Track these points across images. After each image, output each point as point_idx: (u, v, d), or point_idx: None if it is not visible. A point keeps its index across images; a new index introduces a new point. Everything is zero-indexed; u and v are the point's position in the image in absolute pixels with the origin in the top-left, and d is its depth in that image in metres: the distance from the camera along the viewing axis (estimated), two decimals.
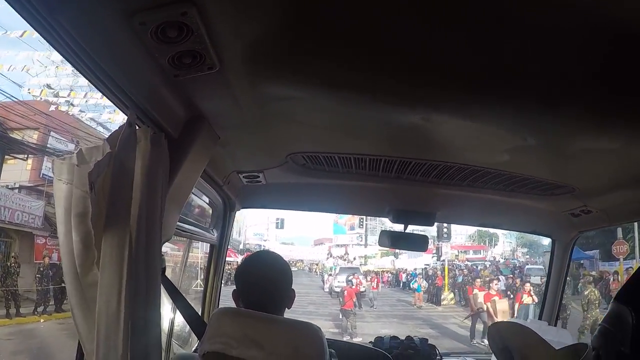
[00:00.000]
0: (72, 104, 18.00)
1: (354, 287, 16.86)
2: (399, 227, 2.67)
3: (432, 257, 33.07)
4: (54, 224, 16.13)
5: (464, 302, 20.57)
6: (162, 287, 1.52)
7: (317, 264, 45.32)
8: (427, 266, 31.78)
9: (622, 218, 2.46)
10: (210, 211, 2.48)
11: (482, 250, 38.13)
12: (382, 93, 1.32)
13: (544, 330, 2.47)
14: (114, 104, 1.18)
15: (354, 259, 38.02)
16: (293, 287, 1.52)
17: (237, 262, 28.99)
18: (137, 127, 1.17)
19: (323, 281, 29.93)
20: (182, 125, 1.40)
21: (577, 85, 1.17)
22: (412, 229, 2.73)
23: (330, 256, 36.83)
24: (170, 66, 1.09)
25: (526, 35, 0.99)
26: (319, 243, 48.28)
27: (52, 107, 17.27)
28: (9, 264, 13.88)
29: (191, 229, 2.06)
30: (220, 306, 2.51)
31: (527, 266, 25.57)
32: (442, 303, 22.07)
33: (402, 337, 2.98)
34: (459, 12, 0.94)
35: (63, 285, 13.08)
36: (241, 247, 31.82)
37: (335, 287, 23.93)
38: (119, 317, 1.01)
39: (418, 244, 2.74)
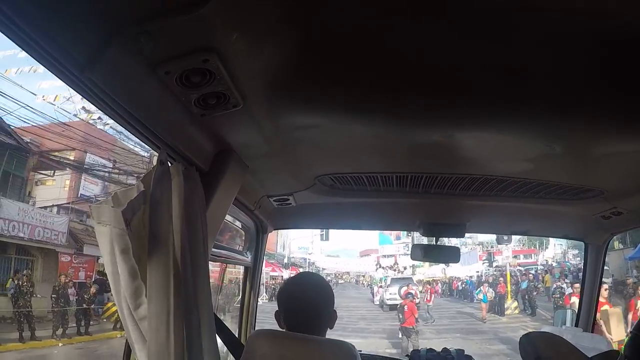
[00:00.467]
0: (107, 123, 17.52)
1: (413, 300, 14.87)
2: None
3: (483, 263, 31.67)
4: (80, 240, 16.59)
5: (530, 310, 19.22)
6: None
7: (363, 276, 44.58)
8: (477, 273, 30.33)
9: None
10: (244, 235, 2.53)
11: (532, 254, 36.16)
12: (402, 113, 1.34)
13: (579, 337, 2.39)
14: (146, 144, 1.26)
15: (404, 268, 36.65)
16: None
17: (282, 276, 28.87)
18: (170, 164, 1.23)
19: (372, 294, 28.90)
20: (212, 159, 1.46)
21: (596, 88, 1.16)
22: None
23: (379, 267, 35.33)
24: (197, 107, 1.16)
25: (541, 43, 0.98)
26: (365, 254, 47.77)
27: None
28: (20, 283, 13.04)
29: (226, 253, 2.13)
30: (256, 325, 2.57)
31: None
32: (505, 313, 19.96)
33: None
34: (474, 28, 0.95)
35: (85, 306, 12.90)
36: (285, 261, 31.35)
37: (387, 299, 22.99)
38: (168, 347, 1.06)
39: (450, 255, 2.70)
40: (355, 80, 1.15)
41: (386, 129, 1.47)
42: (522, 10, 0.89)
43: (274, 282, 29.11)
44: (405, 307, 13.81)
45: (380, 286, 27.26)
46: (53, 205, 17.06)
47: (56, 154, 16.49)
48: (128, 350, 1.40)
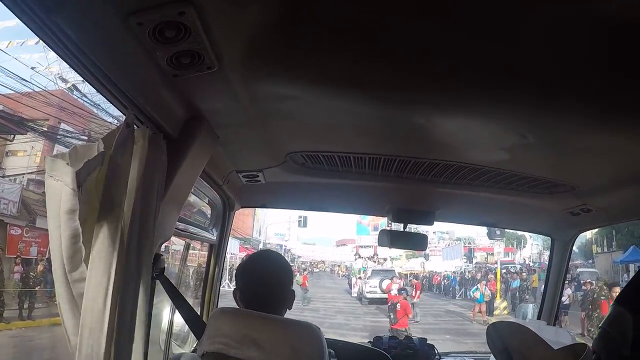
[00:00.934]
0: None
1: (409, 297, 13.08)
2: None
3: (462, 259, 32.11)
4: (33, 212, 14.74)
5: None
6: (163, 287, 1.54)
7: (339, 266, 44.98)
8: (458, 268, 30.33)
9: (622, 217, 2.43)
10: (210, 210, 2.50)
11: (510, 253, 36.91)
12: (381, 91, 1.32)
13: (542, 330, 2.44)
14: (112, 104, 1.19)
15: (384, 260, 36.02)
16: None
17: None
18: (137, 127, 1.18)
19: (350, 285, 27.62)
20: (182, 125, 1.40)
21: (575, 80, 1.16)
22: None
23: (358, 257, 34.81)
24: (169, 66, 1.10)
25: (524, 31, 0.98)
26: (341, 244, 48.13)
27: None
28: None
29: (190, 228, 2.08)
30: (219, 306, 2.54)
31: (578, 269, 22.15)
32: (494, 313, 18.15)
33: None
34: (457, 8, 0.93)
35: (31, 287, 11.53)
36: (261, 246, 30.86)
37: (367, 292, 22.08)
38: (104, 314, 1.03)
39: (417, 243, 2.74)
40: (339, 53, 1.12)
41: (365, 107, 1.45)
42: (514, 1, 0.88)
43: None
44: (398, 306, 12.50)
45: (359, 277, 26.37)
46: (18, 175, 16.08)
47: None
48: None
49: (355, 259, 34.72)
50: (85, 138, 15.11)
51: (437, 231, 42.47)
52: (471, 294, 19.85)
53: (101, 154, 1.04)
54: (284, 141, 1.86)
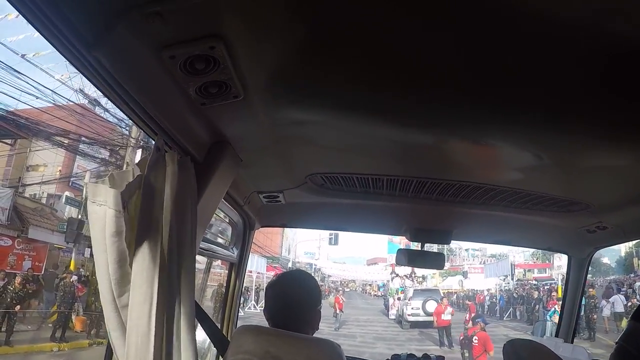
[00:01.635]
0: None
1: (477, 324, 9.75)
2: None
3: (501, 277, 30.24)
4: (26, 221, 13.28)
5: (587, 333, 15.31)
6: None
7: (370, 285, 43.79)
8: (497, 286, 28.66)
9: (638, 233, 2.39)
10: (230, 230, 2.56)
11: (546, 269, 35.31)
12: (398, 115, 1.36)
13: (560, 347, 2.40)
14: (143, 130, 1.28)
15: (423, 278, 34.08)
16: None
17: None
18: (165, 152, 1.24)
19: (386, 306, 26.00)
20: (207, 150, 1.48)
21: (587, 100, 1.18)
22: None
23: (396, 275, 32.46)
24: (198, 95, 1.16)
25: (535, 52, 1.00)
26: (372, 263, 47.01)
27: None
28: None
29: (212, 247, 2.16)
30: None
31: (637, 283, 20.58)
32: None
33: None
34: (475, 33, 0.96)
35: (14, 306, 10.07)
36: (290, 265, 29.63)
37: (409, 314, 20.55)
38: (149, 336, 1.05)
39: (435, 262, 2.74)
40: (356, 80, 1.17)
41: (382, 130, 1.49)
42: (524, 15, 0.89)
43: None
44: (475, 340, 9.30)
45: (398, 298, 24.36)
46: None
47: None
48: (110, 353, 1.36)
49: (392, 278, 32.63)
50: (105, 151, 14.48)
51: (469, 248, 41.11)
52: (549, 317, 14.64)
53: (139, 177, 1.10)
54: (304, 163, 1.91)
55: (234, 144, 1.55)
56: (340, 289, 40.39)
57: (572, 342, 2.86)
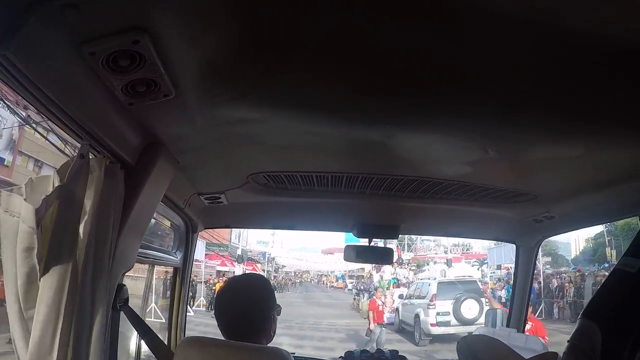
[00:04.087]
0: None
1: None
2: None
3: (473, 265, 25.87)
4: None
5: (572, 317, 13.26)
6: (127, 317, 1.53)
7: (327, 276, 43.62)
8: (491, 275, 23.66)
9: (584, 222, 2.51)
10: (172, 234, 2.47)
11: None
12: (340, 111, 1.33)
13: (513, 337, 2.48)
14: (68, 134, 1.16)
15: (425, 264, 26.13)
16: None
17: (234, 272, 24.34)
18: (94, 157, 1.19)
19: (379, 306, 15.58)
20: (139, 153, 1.39)
21: (534, 93, 1.17)
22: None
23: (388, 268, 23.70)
24: (124, 95, 1.08)
25: (482, 45, 0.98)
26: (328, 252, 47.15)
27: None
28: None
29: (153, 253, 2.06)
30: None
31: None
32: None
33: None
34: (423, 26, 0.93)
35: None
36: (239, 252, 26.99)
37: (435, 324, 13.05)
38: (52, 354, 1.01)
39: (383, 257, 2.78)
40: (295, 75, 1.12)
41: (325, 126, 1.45)
42: (469, 6, 0.86)
43: (220, 279, 22.44)
44: None
45: (400, 296, 16.78)
46: None
47: None
48: None
49: (374, 268, 24.18)
50: None
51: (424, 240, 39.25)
52: None
53: (57, 189, 1.04)
54: (244, 163, 1.86)
55: (168, 145, 1.48)
56: (294, 280, 39.32)
57: (522, 332, 2.93)
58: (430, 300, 13.70)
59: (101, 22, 0.86)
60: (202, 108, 1.29)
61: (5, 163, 15.74)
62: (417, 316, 13.90)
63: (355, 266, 33.42)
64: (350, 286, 28.94)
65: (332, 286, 41.49)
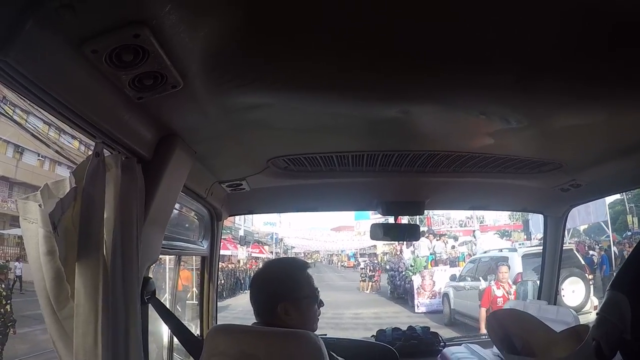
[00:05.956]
0: None
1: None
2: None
3: (438, 239, 20.09)
4: None
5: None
6: (155, 309, 1.56)
7: (337, 255, 43.58)
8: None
9: (612, 189, 2.50)
10: (197, 223, 2.46)
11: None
12: (356, 89, 1.30)
13: (544, 309, 2.42)
14: (82, 134, 1.14)
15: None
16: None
17: (237, 256, 24.47)
18: (109, 154, 1.17)
19: (407, 291, 14.95)
20: (155, 146, 1.37)
21: (553, 59, 1.14)
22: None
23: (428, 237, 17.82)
24: (133, 89, 1.06)
25: (499, 12, 0.95)
26: (337, 231, 47.31)
27: None
28: None
29: (179, 244, 2.06)
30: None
31: None
32: None
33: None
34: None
35: None
36: (241, 233, 25.70)
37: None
38: (97, 350, 1.03)
39: (410, 233, 2.77)
40: (305, 56, 1.10)
41: (339, 106, 1.43)
42: None
43: (223, 264, 20.63)
44: None
45: (453, 276, 12.32)
46: None
47: None
48: None
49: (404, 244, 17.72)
50: None
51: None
52: None
53: (73, 190, 1.03)
54: (263, 148, 1.85)
55: (183, 136, 1.45)
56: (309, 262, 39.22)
57: (554, 304, 2.85)
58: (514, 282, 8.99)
59: (99, 20, 0.85)
60: (212, 97, 1.27)
61: None
62: (450, 299, 11.55)
63: (366, 244, 33.29)
64: (362, 264, 24.89)
65: (343, 265, 41.48)
